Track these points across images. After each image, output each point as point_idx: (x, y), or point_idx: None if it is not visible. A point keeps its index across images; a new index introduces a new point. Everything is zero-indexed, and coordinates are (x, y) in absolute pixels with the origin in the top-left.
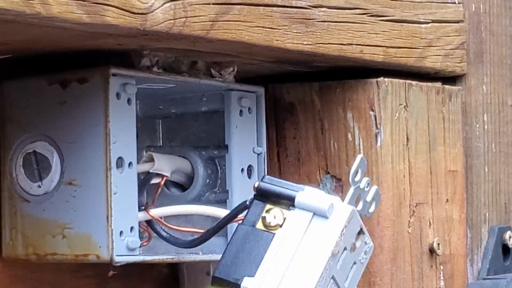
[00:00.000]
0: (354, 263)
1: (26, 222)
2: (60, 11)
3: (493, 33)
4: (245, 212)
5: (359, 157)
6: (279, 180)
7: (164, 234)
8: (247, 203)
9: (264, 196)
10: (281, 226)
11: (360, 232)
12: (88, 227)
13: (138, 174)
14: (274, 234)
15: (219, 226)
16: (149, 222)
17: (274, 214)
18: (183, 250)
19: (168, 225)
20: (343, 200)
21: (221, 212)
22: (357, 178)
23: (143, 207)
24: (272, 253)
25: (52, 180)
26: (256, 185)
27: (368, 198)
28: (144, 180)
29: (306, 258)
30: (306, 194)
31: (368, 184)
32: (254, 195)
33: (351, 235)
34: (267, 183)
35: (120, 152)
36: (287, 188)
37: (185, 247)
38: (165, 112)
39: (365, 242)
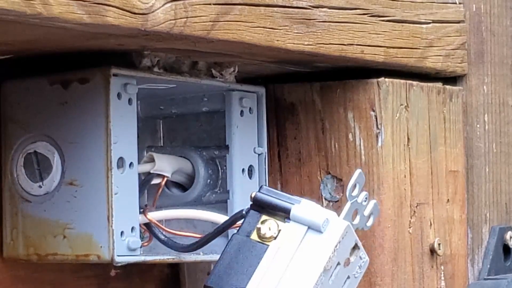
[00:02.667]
0: (348, 277)
1: (27, 222)
2: (61, 12)
3: (494, 33)
4: (241, 220)
5: (357, 172)
6: (277, 191)
7: (162, 237)
8: (244, 212)
9: (260, 206)
10: (275, 238)
11: (355, 247)
12: (89, 227)
13: (139, 174)
14: (268, 246)
15: (217, 232)
16: (147, 225)
17: (269, 225)
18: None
19: (166, 229)
20: (339, 214)
21: (220, 218)
22: (355, 193)
23: (141, 210)
24: (265, 266)
25: (53, 180)
26: (253, 195)
27: (366, 212)
28: (145, 180)
29: (298, 272)
30: (301, 207)
31: (366, 198)
32: (251, 205)
33: (345, 250)
34: (264, 193)
35: (121, 152)
36: (283, 200)
37: (183, 251)
38: (166, 112)
39: (360, 257)
